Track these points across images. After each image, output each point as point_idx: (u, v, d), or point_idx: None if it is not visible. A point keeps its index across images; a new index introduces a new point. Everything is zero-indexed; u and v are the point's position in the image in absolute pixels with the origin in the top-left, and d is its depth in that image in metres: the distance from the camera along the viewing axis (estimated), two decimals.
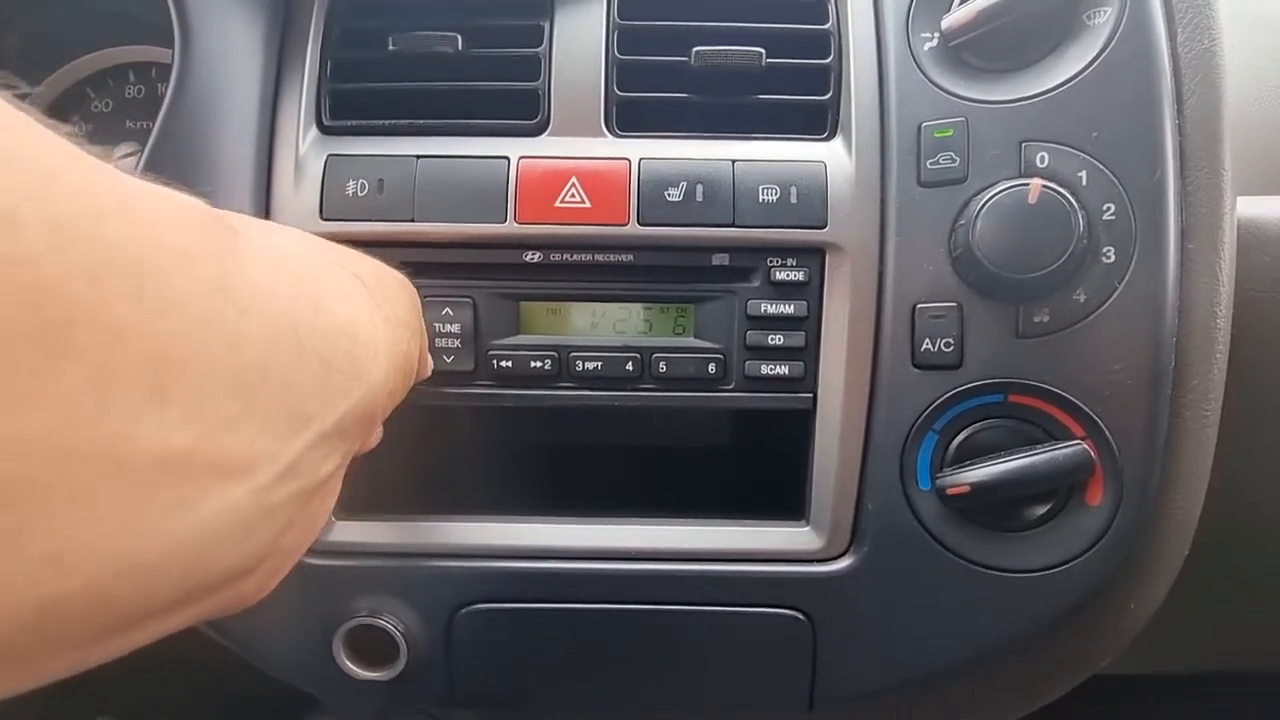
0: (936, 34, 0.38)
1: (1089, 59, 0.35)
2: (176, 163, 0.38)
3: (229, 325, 0.17)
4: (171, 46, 0.50)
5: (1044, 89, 0.36)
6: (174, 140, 0.38)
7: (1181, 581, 0.40)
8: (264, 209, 0.39)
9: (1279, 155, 0.49)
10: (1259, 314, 0.40)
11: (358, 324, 0.24)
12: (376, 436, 0.34)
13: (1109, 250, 0.34)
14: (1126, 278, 0.34)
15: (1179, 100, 0.35)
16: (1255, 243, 0.41)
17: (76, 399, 0.13)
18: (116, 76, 0.52)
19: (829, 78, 0.39)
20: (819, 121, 0.39)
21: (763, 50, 0.39)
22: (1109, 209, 0.34)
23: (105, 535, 0.14)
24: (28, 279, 0.12)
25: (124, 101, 0.52)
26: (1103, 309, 0.34)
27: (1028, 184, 0.34)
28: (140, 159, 0.38)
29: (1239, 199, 0.43)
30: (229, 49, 0.39)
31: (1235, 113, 0.43)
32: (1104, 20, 0.35)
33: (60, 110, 0.51)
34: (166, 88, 0.52)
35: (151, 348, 0.15)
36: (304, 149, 0.39)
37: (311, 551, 0.41)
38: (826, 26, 0.40)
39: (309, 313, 0.21)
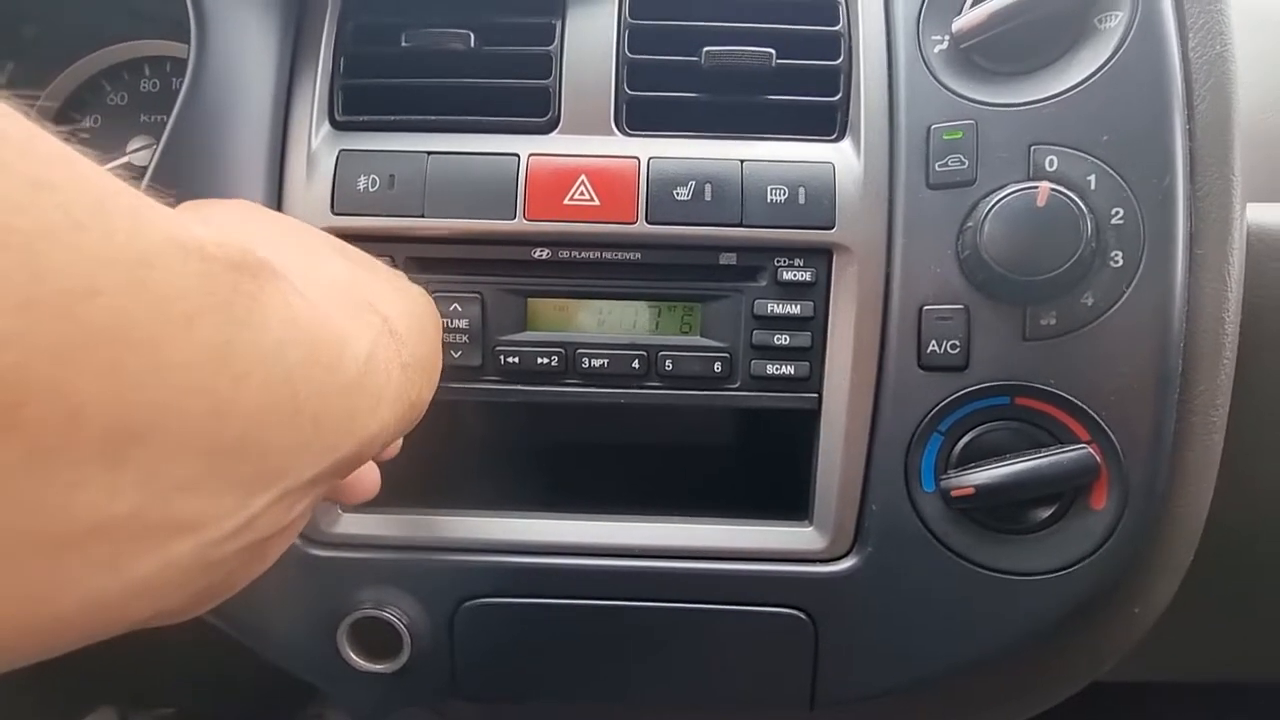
0: (947, 36, 0.38)
1: (1100, 63, 0.35)
2: (191, 156, 0.39)
3: (218, 394, 0.15)
4: (186, 41, 0.51)
5: (1054, 92, 0.36)
6: (189, 134, 0.39)
7: (1186, 587, 0.40)
8: (276, 202, 0.40)
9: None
10: (1268, 320, 0.40)
11: (369, 376, 0.22)
12: (394, 449, 0.33)
13: (1117, 254, 0.34)
14: (1134, 282, 0.34)
15: (1190, 105, 0.35)
16: (1264, 249, 0.41)
17: (6, 473, 0.12)
18: (131, 70, 0.52)
19: (838, 79, 0.39)
20: (828, 122, 0.40)
21: (773, 51, 0.39)
22: (1118, 213, 0.34)
23: (13, 599, 0.13)
24: None
25: (139, 95, 0.52)
26: (1110, 313, 0.34)
27: (1036, 187, 0.34)
28: (155, 152, 0.39)
29: (1248, 205, 0.43)
30: (244, 44, 0.39)
31: (1244, 119, 0.43)
32: (1115, 24, 0.35)
33: (76, 103, 0.52)
34: (182, 82, 0.53)
35: (115, 419, 0.13)
36: (316, 144, 0.40)
37: (317, 544, 0.42)
38: (837, 28, 0.40)
39: (316, 371, 0.19)
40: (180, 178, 0.39)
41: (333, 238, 0.31)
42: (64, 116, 0.52)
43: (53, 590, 0.13)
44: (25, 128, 0.13)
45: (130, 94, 0.52)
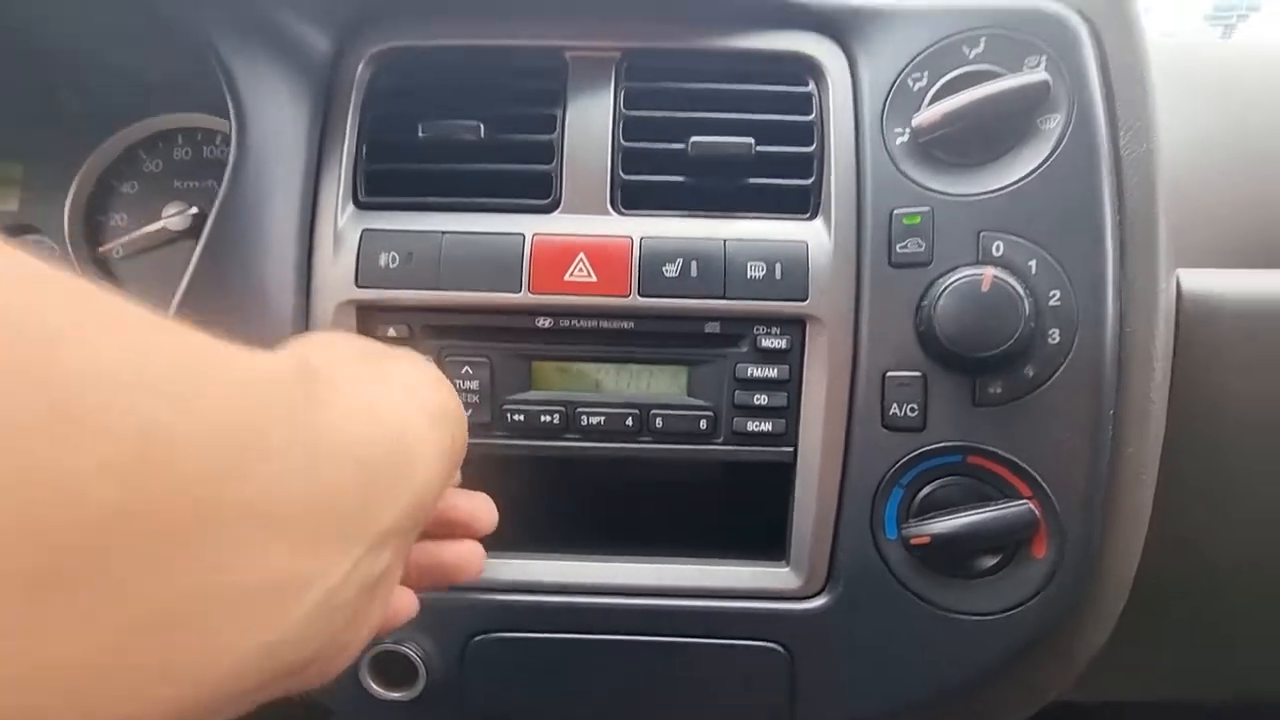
0: (908, 129, 0.42)
1: (1041, 160, 0.40)
2: (234, 235, 0.43)
3: (316, 477, 0.20)
4: (216, 114, 0.56)
5: (1001, 185, 0.40)
6: (232, 215, 0.43)
7: (1131, 616, 0.44)
8: (306, 277, 0.44)
9: (1223, 224, 0.53)
10: (1199, 380, 0.44)
11: (409, 441, 0.26)
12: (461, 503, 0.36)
13: (1054, 332, 0.39)
14: (1070, 357, 0.39)
15: (1120, 198, 0.39)
16: (1198, 314, 0.45)
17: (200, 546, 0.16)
18: (165, 140, 0.57)
19: (812, 164, 0.44)
20: (802, 203, 0.44)
21: (752, 140, 0.43)
22: (1055, 295, 0.39)
23: (198, 653, 0.17)
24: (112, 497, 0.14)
25: (172, 162, 0.57)
26: (1048, 384, 0.39)
27: (982, 273, 0.38)
28: (204, 236, 0.43)
29: (1183, 272, 0.47)
30: (278, 135, 0.44)
31: (1180, 182, 0.47)
32: (1054, 125, 0.40)
33: (116, 170, 0.57)
34: (212, 151, 0.57)
35: (263, 502, 0.18)
36: (342, 223, 0.44)
37: None
38: (810, 118, 0.44)
39: (375, 450, 0.23)
40: (226, 250, 0.43)
41: (354, 338, 0.35)
42: (105, 183, 0.56)
43: (233, 639, 0.18)
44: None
45: (165, 161, 0.57)
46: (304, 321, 0.44)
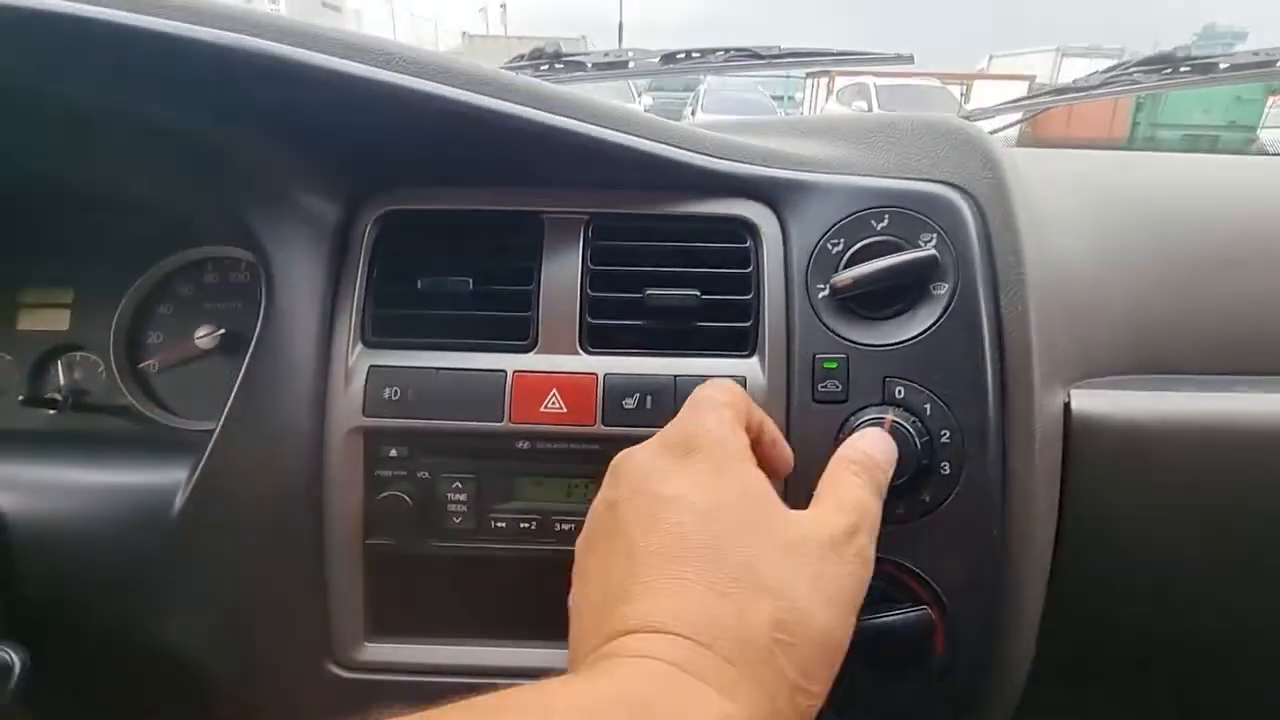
0: (828, 286, 0.50)
1: (933, 319, 0.47)
2: (265, 372, 0.50)
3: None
4: (240, 245, 0.64)
5: (903, 339, 0.47)
6: (264, 354, 0.50)
7: (1031, 700, 0.51)
8: (321, 405, 0.51)
9: (1145, 328, 0.60)
10: (1085, 491, 0.52)
11: None
12: None
13: (945, 465, 0.46)
14: (958, 487, 0.46)
15: (1001, 351, 0.47)
16: (1086, 433, 0.52)
17: None
18: (197, 267, 0.65)
19: (749, 310, 0.51)
20: (742, 343, 0.51)
21: (698, 291, 0.51)
22: (945, 434, 0.46)
23: None
24: None
25: (204, 287, 0.65)
26: (942, 508, 0.46)
27: (884, 416, 0.46)
28: (241, 374, 0.50)
29: (1076, 392, 0.54)
30: (299, 286, 0.51)
31: (1090, 296, 0.54)
32: (943, 292, 0.48)
33: (155, 294, 0.65)
34: (238, 276, 0.65)
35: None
36: (352, 360, 0.52)
37: (347, 667, 0.53)
38: (748, 270, 0.52)
39: None
40: (258, 384, 0.50)
41: None
42: (144, 306, 0.65)
43: None
44: None
45: (196, 287, 0.65)
46: (319, 443, 0.51)
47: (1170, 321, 0.60)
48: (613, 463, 0.39)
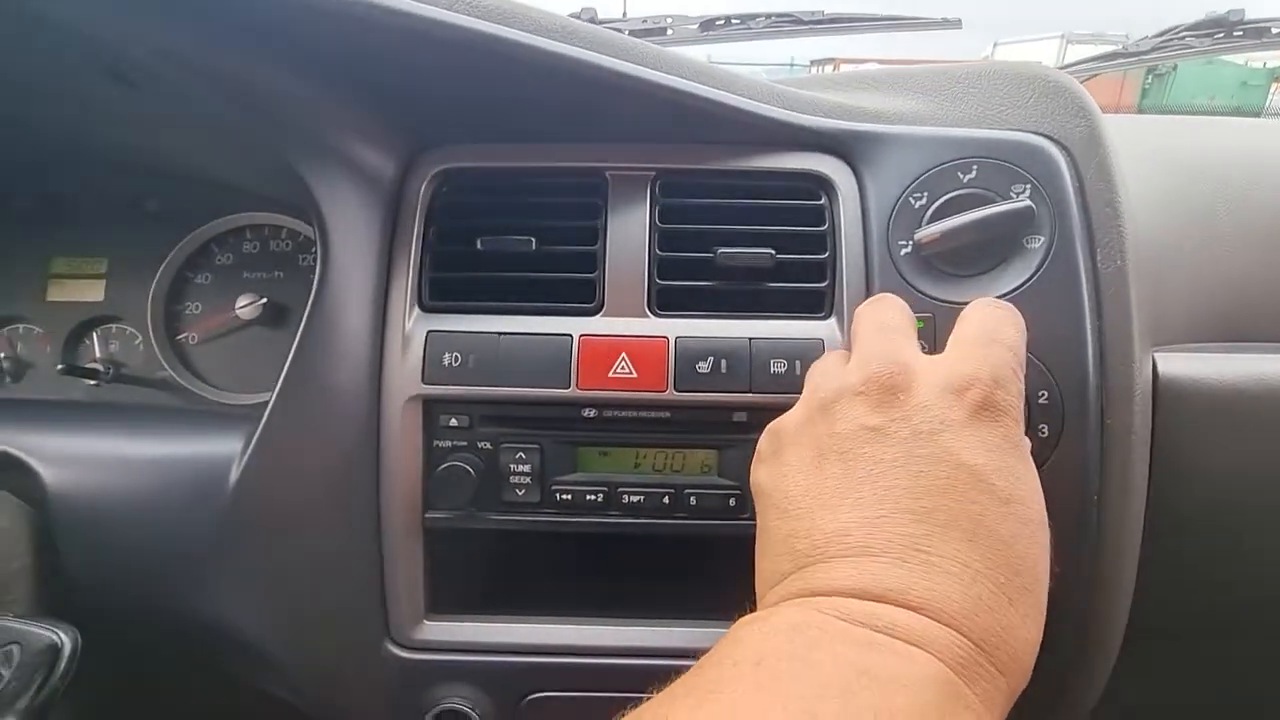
0: (911, 243, 0.47)
1: (1028, 275, 0.45)
2: (321, 338, 0.48)
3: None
4: (279, 211, 0.61)
5: (993, 296, 0.45)
6: (320, 319, 0.48)
7: (1123, 671, 0.49)
8: (378, 373, 0.49)
9: (1200, 299, 0.58)
10: (1173, 455, 0.50)
11: None
12: None
13: (1043, 427, 0.44)
14: (1057, 448, 0.44)
15: (1098, 308, 0.45)
16: (1173, 396, 0.50)
17: None
18: (235, 235, 0.62)
19: (826, 270, 0.49)
20: (818, 304, 0.49)
21: (772, 250, 0.48)
22: (1042, 395, 0.44)
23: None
24: None
25: (242, 256, 0.62)
26: (1040, 471, 0.44)
27: None
28: (296, 340, 0.48)
29: (1160, 355, 0.52)
30: (355, 248, 0.48)
31: (1164, 262, 0.52)
32: (1038, 245, 0.45)
33: (192, 263, 0.62)
34: (278, 244, 0.63)
35: None
36: (410, 325, 0.49)
37: (405, 647, 0.50)
38: (824, 229, 0.49)
39: None
40: (314, 351, 0.48)
41: None
42: (181, 275, 0.62)
43: None
44: None
45: (235, 255, 0.62)
46: (376, 412, 0.49)
47: (1244, 289, 0.58)
48: (885, 376, 0.34)
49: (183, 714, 0.71)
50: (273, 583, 0.50)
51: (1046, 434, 0.44)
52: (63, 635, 0.43)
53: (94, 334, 0.61)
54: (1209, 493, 0.51)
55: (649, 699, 0.27)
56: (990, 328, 0.37)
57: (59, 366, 0.57)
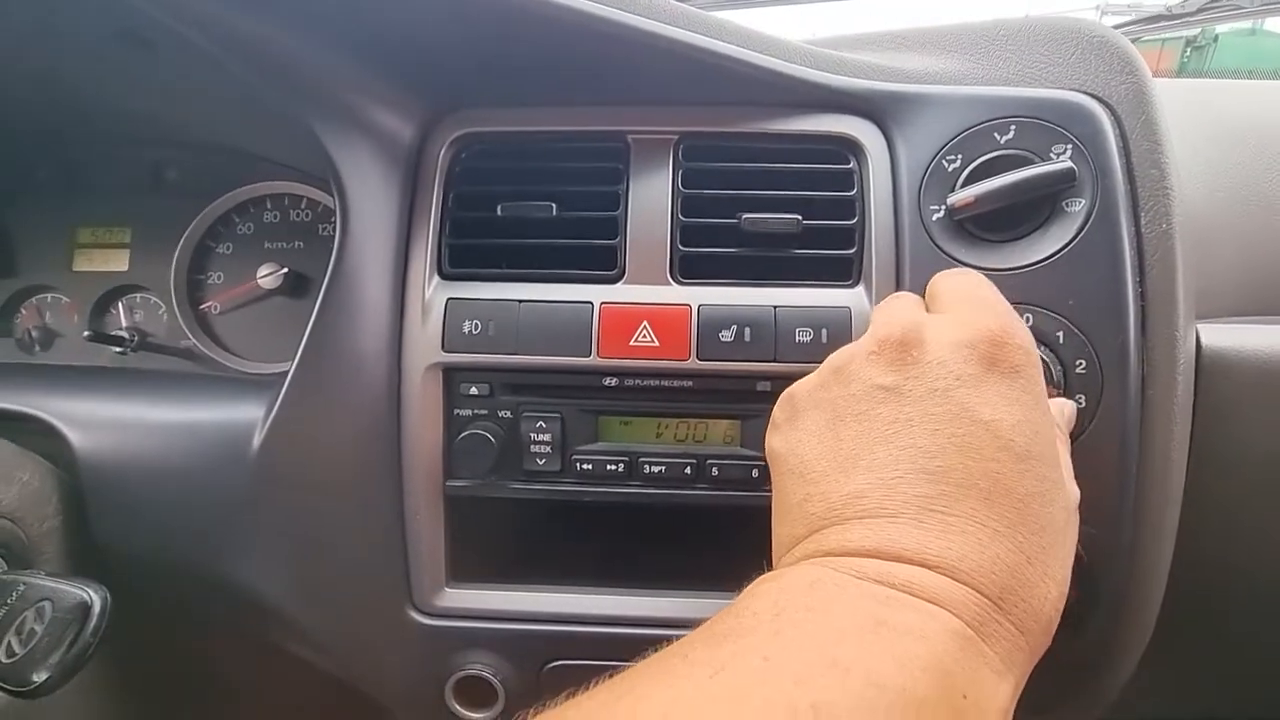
0: (943, 207, 0.46)
1: (1067, 239, 0.43)
2: (340, 306, 0.47)
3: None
4: (298, 180, 0.61)
5: (1031, 261, 0.43)
6: (340, 284, 0.47)
7: (1159, 646, 0.48)
8: (398, 341, 0.49)
9: (1259, 269, 0.56)
10: (1216, 429, 0.48)
11: None
12: None
13: (1081, 397, 0.42)
14: (1095, 418, 0.42)
15: (1141, 274, 0.43)
16: (1216, 369, 0.48)
17: None
18: (255, 205, 0.62)
19: (854, 236, 0.47)
20: (846, 272, 0.47)
21: (799, 216, 0.47)
22: (1080, 364, 0.42)
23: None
24: None
25: (262, 225, 0.62)
26: (1077, 441, 0.42)
27: None
28: (316, 307, 0.48)
29: (1203, 327, 0.50)
30: (374, 214, 0.48)
31: (1207, 230, 0.50)
32: (1079, 209, 0.43)
33: (213, 233, 0.62)
34: (298, 214, 0.62)
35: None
36: (429, 293, 0.49)
37: (428, 614, 0.51)
38: (852, 193, 0.48)
39: None
40: (333, 319, 0.48)
41: None
42: (203, 245, 0.62)
43: None
44: None
45: (255, 225, 0.62)
46: (396, 381, 0.48)
47: None
48: (898, 335, 0.33)
49: (212, 674, 0.73)
50: (296, 547, 0.50)
51: (1084, 404, 0.42)
52: (92, 593, 0.44)
53: (119, 303, 0.62)
54: (1251, 470, 0.50)
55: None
56: (971, 287, 0.36)
57: (86, 334, 0.58)
